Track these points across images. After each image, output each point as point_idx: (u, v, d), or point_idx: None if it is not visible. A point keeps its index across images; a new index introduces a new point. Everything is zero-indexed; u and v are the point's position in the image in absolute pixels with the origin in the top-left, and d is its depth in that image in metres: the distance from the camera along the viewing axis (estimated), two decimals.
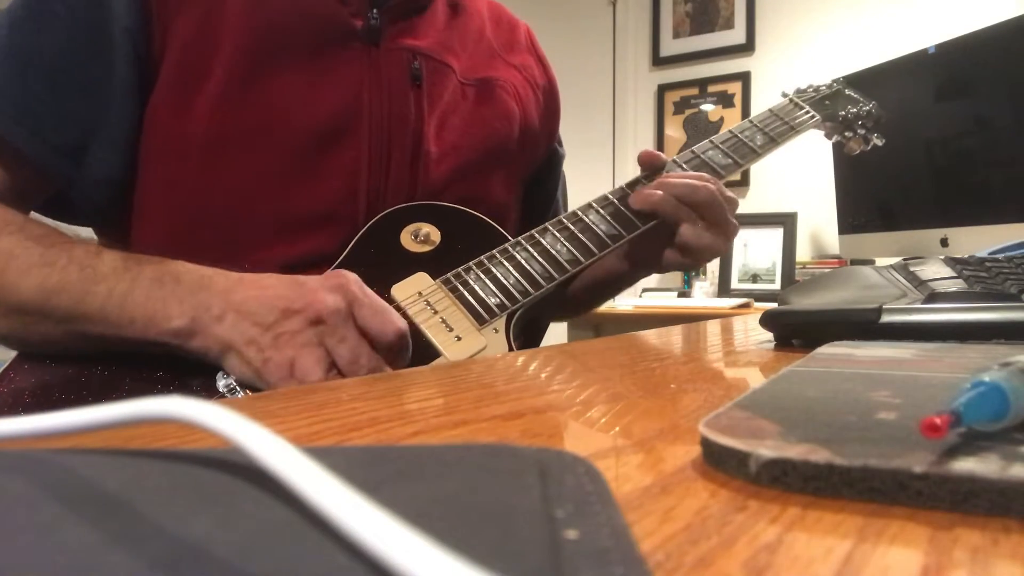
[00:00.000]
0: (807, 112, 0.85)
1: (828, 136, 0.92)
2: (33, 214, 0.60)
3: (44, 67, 0.56)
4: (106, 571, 0.11)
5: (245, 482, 0.15)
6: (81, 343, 0.52)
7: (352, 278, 0.52)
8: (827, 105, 0.89)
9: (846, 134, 0.91)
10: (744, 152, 0.77)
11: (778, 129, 0.80)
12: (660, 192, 0.67)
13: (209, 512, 0.13)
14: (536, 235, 0.66)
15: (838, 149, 1.78)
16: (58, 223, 0.62)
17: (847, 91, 0.93)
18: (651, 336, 0.56)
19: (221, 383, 0.51)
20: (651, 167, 0.72)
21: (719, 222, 0.68)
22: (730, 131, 0.79)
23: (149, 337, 0.50)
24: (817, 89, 0.92)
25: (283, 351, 0.48)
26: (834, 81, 0.94)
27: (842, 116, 0.90)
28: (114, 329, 0.50)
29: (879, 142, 0.93)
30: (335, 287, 0.50)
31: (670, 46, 2.80)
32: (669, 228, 0.69)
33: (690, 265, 0.72)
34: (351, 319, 0.50)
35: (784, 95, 0.88)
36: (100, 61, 0.57)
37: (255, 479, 0.15)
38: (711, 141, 0.77)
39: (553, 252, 0.65)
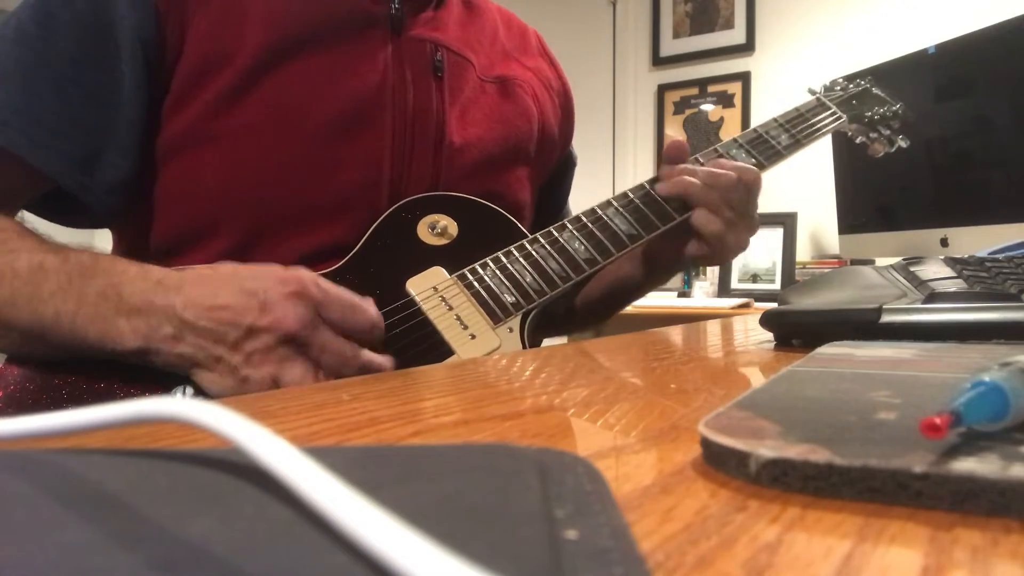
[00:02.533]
0: (834, 112, 0.83)
1: (853, 137, 0.89)
2: (37, 220, 0.60)
3: (53, 77, 0.55)
4: (105, 571, 0.11)
5: (245, 482, 0.15)
6: (53, 352, 0.50)
7: (308, 279, 0.49)
8: (854, 105, 0.87)
9: (871, 135, 0.89)
10: (769, 153, 0.75)
11: (804, 130, 0.78)
12: (688, 177, 0.67)
13: (209, 512, 0.13)
14: (554, 232, 0.65)
15: (838, 148, 1.78)
16: (68, 228, 0.62)
17: (875, 90, 0.90)
18: (651, 336, 0.56)
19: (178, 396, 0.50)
20: (675, 159, 0.72)
21: (745, 212, 0.68)
22: (755, 129, 0.77)
23: (107, 354, 0.48)
24: (845, 88, 0.89)
25: (261, 368, 0.47)
26: (862, 79, 0.91)
27: (868, 117, 0.87)
28: (72, 344, 0.49)
29: (904, 144, 0.90)
30: (294, 295, 0.48)
31: (670, 46, 2.80)
32: (685, 227, 0.68)
33: (709, 257, 0.71)
34: (322, 323, 0.48)
35: (811, 92, 0.86)
36: (108, 67, 0.57)
37: (255, 479, 0.15)
38: (736, 140, 0.75)
39: (571, 250, 0.64)
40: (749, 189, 0.68)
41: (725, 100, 2.68)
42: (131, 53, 0.58)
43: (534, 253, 0.63)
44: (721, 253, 0.70)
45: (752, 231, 0.71)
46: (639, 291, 0.84)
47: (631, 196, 0.69)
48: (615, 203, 0.68)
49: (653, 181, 0.70)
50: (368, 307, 0.51)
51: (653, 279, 0.81)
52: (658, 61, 2.83)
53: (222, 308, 0.47)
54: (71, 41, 0.56)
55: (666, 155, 0.72)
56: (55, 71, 0.56)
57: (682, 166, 0.69)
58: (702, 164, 0.72)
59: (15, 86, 0.55)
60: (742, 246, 0.70)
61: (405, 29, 0.67)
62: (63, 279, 0.49)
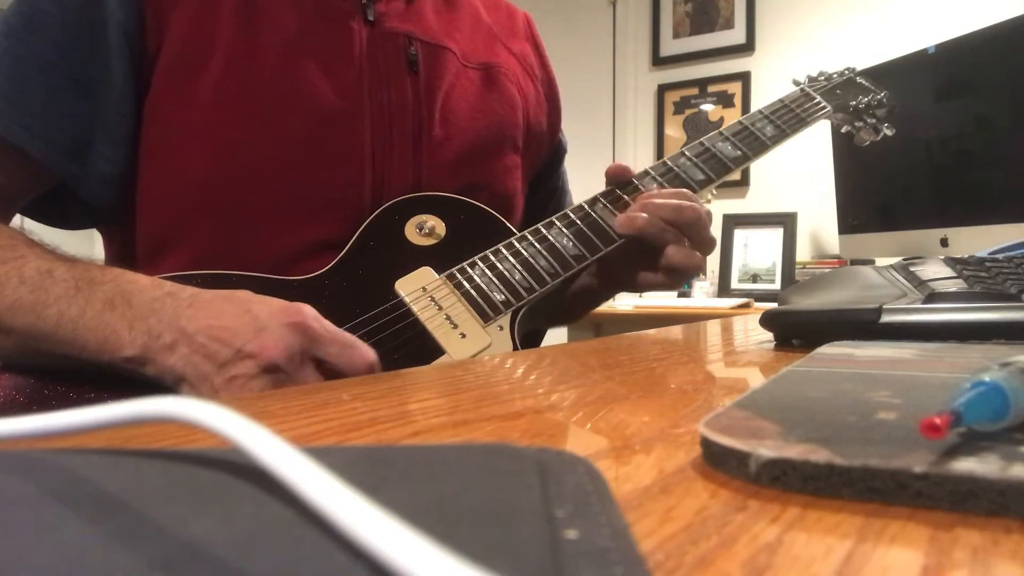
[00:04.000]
0: (818, 102, 0.83)
1: (839, 127, 0.90)
2: (28, 222, 0.60)
3: (42, 69, 0.56)
4: (106, 571, 0.11)
5: (245, 482, 0.15)
6: (46, 359, 0.51)
7: (309, 314, 0.48)
8: (838, 95, 0.87)
9: (856, 124, 0.89)
10: (755, 145, 0.75)
11: (789, 120, 0.78)
12: (644, 215, 0.65)
13: (209, 512, 0.13)
14: (542, 229, 0.65)
15: (838, 148, 1.78)
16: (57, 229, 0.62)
17: (858, 79, 0.91)
18: (651, 336, 0.56)
19: None
20: (618, 182, 0.70)
21: (702, 241, 0.67)
22: (740, 121, 0.77)
23: (103, 362, 0.48)
24: (829, 78, 0.89)
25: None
26: (846, 69, 0.92)
27: (853, 106, 0.88)
28: (69, 351, 0.49)
29: (889, 132, 0.90)
30: (291, 326, 0.47)
31: (670, 46, 2.80)
32: (644, 248, 0.67)
33: (670, 286, 0.70)
34: (308, 360, 0.48)
35: (796, 83, 0.86)
36: (97, 59, 0.57)
37: (255, 479, 0.15)
38: (721, 133, 0.75)
39: (559, 247, 0.64)
40: (708, 215, 0.67)
41: (725, 100, 2.68)
42: (119, 47, 0.58)
43: (523, 251, 0.63)
44: (680, 282, 0.70)
45: (709, 254, 0.70)
46: (596, 302, 0.83)
47: (619, 192, 0.69)
48: (602, 199, 0.68)
49: (608, 195, 0.69)
50: (367, 350, 0.50)
51: (608, 294, 0.80)
52: (658, 61, 2.82)
53: (221, 327, 0.47)
54: (59, 33, 0.57)
55: (609, 179, 0.70)
56: (44, 62, 0.56)
57: (642, 201, 0.66)
58: (656, 179, 0.71)
59: (5, 76, 0.55)
60: (700, 270, 0.70)
61: (378, 21, 0.66)
62: (70, 285, 0.49)
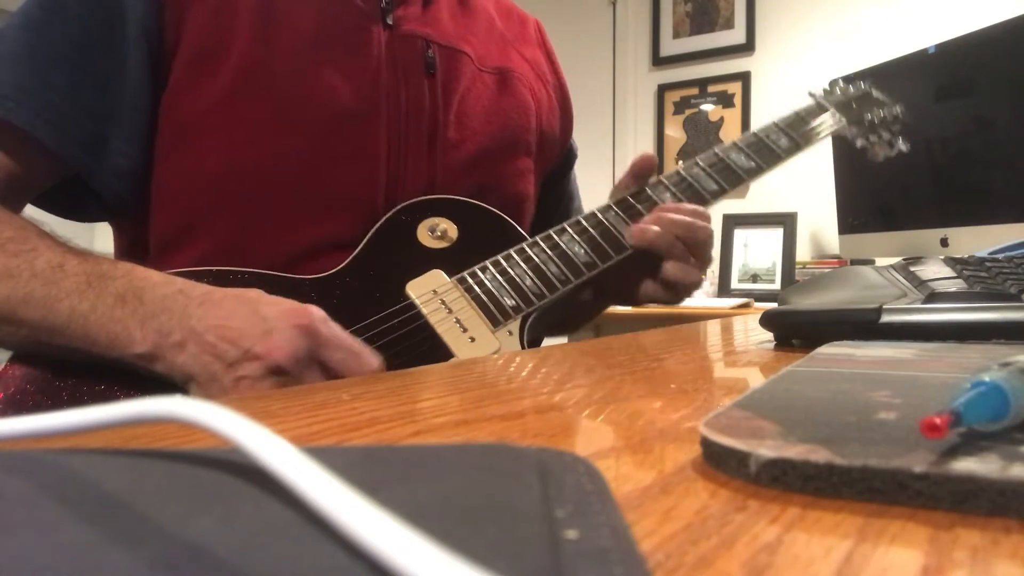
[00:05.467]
0: (833, 115, 0.83)
1: (853, 140, 0.89)
2: (42, 214, 0.60)
3: (60, 62, 0.56)
4: (106, 571, 0.11)
5: (245, 482, 0.15)
6: (57, 351, 0.51)
7: (318, 316, 0.49)
8: (854, 108, 0.87)
9: (871, 138, 0.88)
10: (768, 156, 0.75)
11: (803, 133, 0.78)
12: (657, 228, 0.65)
13: (209, 512, 0.13)
14: (554, 235, 0.65)
15: (838, 149, 1.78)
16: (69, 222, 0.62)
17: (874, 92, 0.90)
18: (651, 336, 0.56)
19: None
20: (642, 172, 0.70)
21: (705, 259, 0.68)
22: (754, 133, 0.76)
23: (114, 358, 0.49)
24: (845, 90, 0.89)
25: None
26: (862, 81, 0.91)
27: (868, 120, 0.87)
28: (80, 346, 0.49)
29: (904, 148, 0.89)
30: (299, 328, 0.47)
31: (670, 46, 2.80)
32: (646, 261, 0.67)
33: (669, 300, 0.70)
34: (314, 362, 0.48)
35: (811, 95, 0.86)
36: (114, 54, 0.58)
37: (255, 479, 0.15)
38: (736, 144, 0.75)
39: (570, 254, 0.64)
40: (712, 235, 0.68)
41: (725, 100, 2.68)
42: (137, 43, 0.58)
43: (534, 256, 0.63)
44: (680, 298, 0.70)
45: (708, 266, 0.71)
46: (588, 317, 0.84)
47: (632, 201, 0.69)
48: (615, 207, 0.68)
49: (621, 204, 0.69)
50: (372, 357, 0.50)
51: (603, 307, 0.81)
52: (658, 61, 2.82)
53: (230, 327, 0.47)
54: (77, 27, 0.57)
55: (633, 175, 0.70)
56: (61, 55, 0.56)
57: (656, 214, 0.67)
58: (669, 188, 0.70)
59: (24, 68, 0.55)
60: (698, 287, 0.70)
61: (397, 24, 0.67)
62: (82, 280, 0.50)
